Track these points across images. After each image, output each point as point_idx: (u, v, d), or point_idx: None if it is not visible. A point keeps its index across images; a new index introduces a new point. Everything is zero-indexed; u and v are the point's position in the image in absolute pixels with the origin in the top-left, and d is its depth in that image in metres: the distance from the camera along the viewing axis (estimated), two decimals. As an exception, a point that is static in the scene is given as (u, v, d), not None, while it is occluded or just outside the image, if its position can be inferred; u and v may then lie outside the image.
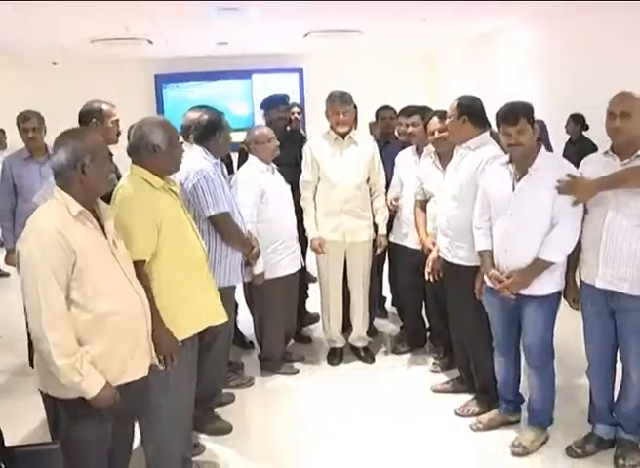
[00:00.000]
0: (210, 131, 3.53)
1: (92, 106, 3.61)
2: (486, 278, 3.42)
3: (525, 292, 3.23)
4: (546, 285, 3.23)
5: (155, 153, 2.77)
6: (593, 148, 5.94)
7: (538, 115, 6.80)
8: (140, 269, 2.60)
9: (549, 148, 6.37)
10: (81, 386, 2.23)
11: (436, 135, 4.01)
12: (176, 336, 2.71)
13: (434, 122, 4.02)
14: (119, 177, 3.11)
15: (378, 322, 5.24)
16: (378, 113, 5.66)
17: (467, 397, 3.90)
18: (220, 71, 11.37)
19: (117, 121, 3.62)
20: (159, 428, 2.86)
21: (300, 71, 11.94)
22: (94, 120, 3.54)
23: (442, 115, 3.94)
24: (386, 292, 5.58)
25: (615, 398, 3.28)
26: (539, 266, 3.17)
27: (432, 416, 3.83)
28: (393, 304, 5.59)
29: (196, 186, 3.29)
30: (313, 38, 9.50)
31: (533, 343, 3.33)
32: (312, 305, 5.15)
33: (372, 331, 4.95)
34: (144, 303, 2.47)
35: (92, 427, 2.34)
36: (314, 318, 5.30)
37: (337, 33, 9.13)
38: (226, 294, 3.32)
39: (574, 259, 3.26)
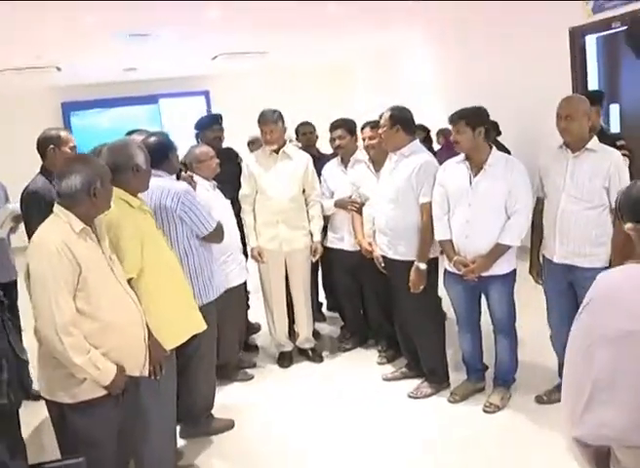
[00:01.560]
0: (163, 153, 3.55)
1: (49, 133, 3.70)
2: (447, 264, 3.82)
3: (486, 273, 3.67)
4: (504, 265, 3.69)
5: (138, 173, 2.94)
6: (507, 152, 6.51)
7: (444, 126, 7.29)
8: (130, 286, 2.75)
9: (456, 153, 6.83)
10: (99, 378, 2.44)
11: (366, 142, 4.41)
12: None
13: (365, 131, 4.42)
14: None
15: (317, 326, 5.46)
16: (297, 129, 5.90)
17: (417, 381, 4.23)
18: (127, 97, 11.35)
19: (74, 147, 3.72)
20: (152, 438, 2.97)
21: (207, 94, 12.07)
22: (51, 146, 3.63)
23: (373, 125, 4.34)
24: (321, 297, 5.83)
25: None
26: (499, 250, 3.63)
27: (388, 402, 4.12)
28: (329, 309, 5.88)
29: (191, 207, 3.41)
30: (221, 60, 9.69)
31: (500, 314, 3.81)
32: (253, 316, 5.36)
33: (314, 334, 5.19)
34: (140, 311, 2.67)
35: (98, 426, 2.52)
36: (256, 328, 5.51)
37: (245, 54, 9.34)
38: (207, 310, 3.45)
39: (537, 240, 3.72)
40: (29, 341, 2.88)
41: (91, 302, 2.44)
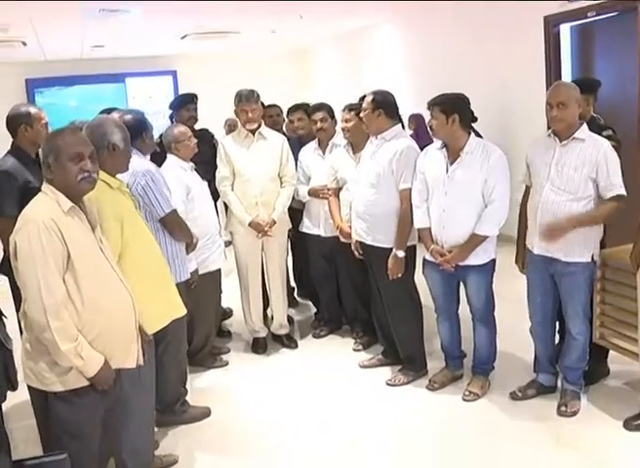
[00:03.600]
0: (137, 131, 3.48)
1: (19, 110, 3.55)
2: (425, 252, 3.79)
3: (464, 263, 3.64)
4: (482, 255, 3.66)
5: (114, 152, 2.84)
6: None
7: (416, 109, 7.28)
8: None
9: (428, 139, 6.82)
10: (83, 368, 2.34)
11: (342, 124, 4.37)
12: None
13: (343, 114, 4.35)
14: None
15: (289, 311, 5.42)
16: (264, 111, 5.78)
17: (394, 368, 4.22)
18: (94, 75, 11.12)
19: (46, 124, 3.58)
20: (131, 426, 2.86)
21: (174, 73, 11.90)
22: (23, 125, 3.48)
23: (351, 108, 4.29)
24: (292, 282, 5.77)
25: (554, 351, 3.75)
26: (476, 240, 3.59)
27: (366, 389, 4.10)
28: (298, 296, 5.84)
29: (145, 188, 3.31)
30: (190, 40, 9.52)
31: (478, 304, 3.79)
32: (224, 301, 5.22)
33: (287, 320, 5.13)
34: (132, 296, 2.57)
35: (84, 417, 2.43)
36: (228, 313, 5.45)
37: (214, 34, 9.19)
38: (182, 289, 3.41)
39: (523, 229, 3.68)
40: (10, 326, 2.81)
41: (78, 285, 2.34)
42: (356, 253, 4.21)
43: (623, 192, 3.32)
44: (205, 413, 3.82)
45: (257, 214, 4.48)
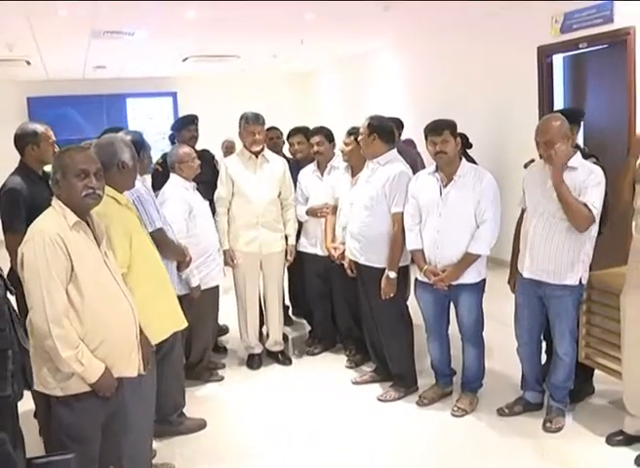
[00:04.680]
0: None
1: (26, 129, 3.63)
2: (417, 273, 3.93)
3: (456, 282, 3.77)
4: (474, 274, 3.80)
5: (124, 170, 2.97)
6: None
7: (409, 134, 7.43)
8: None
9: (421, 164, 6.95)
10: (84, 374, 2.45)
11: (341, 147, 4.54)
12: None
13: (343, 138, 4.50)
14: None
15: (284, 329, 5.51)
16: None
17: (385, 385, 4.33)
18: (95, 95, 11.26)
19: (54, 142, 3.68)
20: (131, 434, 2.94)
21: (175, 95, 12.06)
22: (30, 144, 3.57)
23: (351, 132, 4.44)
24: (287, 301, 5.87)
25: (540, 370, 3.87)
26: (468, 259, 3.73)
27: (358, 405, 4.20)
28: (293, 314, 5.94)
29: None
30: (191, 62, 9.68)
31: (468, 323, 3.91)
32: (221, 318, 5.32)
33: (283, 338, 5.24)
34: (134, 309, 2.68)
35: (85, 421, 2.53)
36: (224, 329, 5.56)
37: (215, 57, 9.36)
38: (185, 301, 3.53)
39: (517, 250, 3.79)
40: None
41: (83, 298, 2.45)
42: (349, 271, 4.34)
43: (595, 212, 3.36)
44: (200, 425, 3.91)
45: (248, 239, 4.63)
